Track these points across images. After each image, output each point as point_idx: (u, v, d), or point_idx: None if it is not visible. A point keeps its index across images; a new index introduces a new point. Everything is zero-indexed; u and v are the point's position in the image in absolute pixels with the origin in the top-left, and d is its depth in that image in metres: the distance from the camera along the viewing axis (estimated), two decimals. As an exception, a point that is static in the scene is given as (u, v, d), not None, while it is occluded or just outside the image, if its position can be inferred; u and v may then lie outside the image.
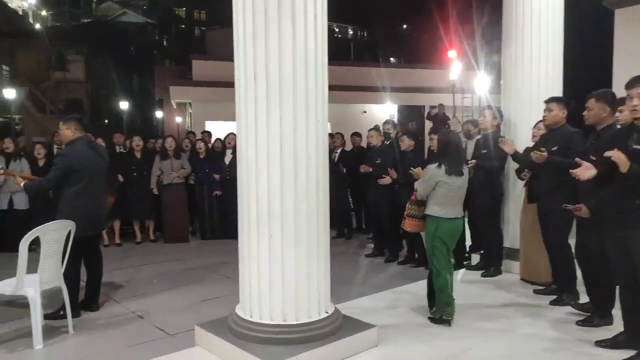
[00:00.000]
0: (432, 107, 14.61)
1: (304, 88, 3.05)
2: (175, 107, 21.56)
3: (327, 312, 3.26)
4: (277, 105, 3.02)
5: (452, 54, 16.65)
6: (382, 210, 5.99)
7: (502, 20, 5.44)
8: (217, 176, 7.31)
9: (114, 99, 28.88)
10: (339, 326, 3.27)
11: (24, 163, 6.68)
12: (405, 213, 3.99)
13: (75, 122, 4.25)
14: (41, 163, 6.73)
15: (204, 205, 7.48)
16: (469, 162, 4.90)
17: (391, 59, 38.39)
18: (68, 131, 4.19)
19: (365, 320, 3.51)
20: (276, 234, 3.08)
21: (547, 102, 4.35)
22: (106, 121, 31.82)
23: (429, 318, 3.95)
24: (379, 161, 6.00)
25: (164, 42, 45.82)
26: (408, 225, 3.98)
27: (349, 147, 7.84)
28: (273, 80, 3.00)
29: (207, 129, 10.88)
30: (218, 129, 9.70)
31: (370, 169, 6.14)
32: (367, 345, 3.32)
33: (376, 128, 6.40)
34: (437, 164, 3.81)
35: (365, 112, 17.78)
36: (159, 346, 3.63)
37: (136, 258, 6.50)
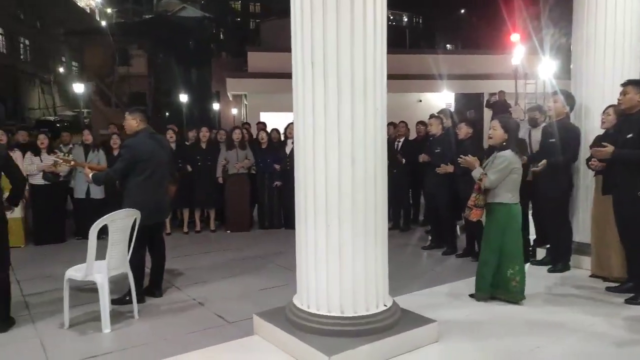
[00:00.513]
0: (492, 94, 14.01)
1: (362, 75, 2.97)
2: (231, 99, 22.01)
3: (385, 305, 3.19)
4: (334, 93, 2.96)
5: (514, 37, 15.86)
6: (440, 200, 5.84)
7: (573, -1, 5.08)
8: (277, 166, 7.39)
9: (173, 92, 29.91)
10: (398, 320, 3.20)
11: (100, 154, 7.02)
12: (472, 203, 3.87)
13: (140, 113, 4.40)
14: (116, 152, 7.03)
15: (263, 195, 7.59)
16: (539, 163, 4.68)
17: (447, 45, 37.28)
18: (133, 122, 4.34)
19: (423, 315, 3.41)
20: (333, 224, 3.04)
21: (624, 85, 4.05)
22: (167, 114, 33.06)
23: (470, 295, 4.13)
24: (438, 150, 5.82)
25: (221, 35, 46.86)
26: (474, 215, 3.90)
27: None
28: (331, 67, 2.95)
29: (261, 119, 11.00)
30: (273, 120, 9.78)
31: (429, 159, 5.97)
32: (427, 341, 3.23)
33: (436, 116, 6.18)
34: (509, 150, 3.79)
35: (420, 101, 17.36)
36: (218, 333, 3.71)
37: (197, 246, 6.68)
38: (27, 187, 6.50)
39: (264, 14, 42.84)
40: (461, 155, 4.15)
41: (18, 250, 6.40)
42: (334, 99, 2.97)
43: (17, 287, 4.72)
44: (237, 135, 7.39)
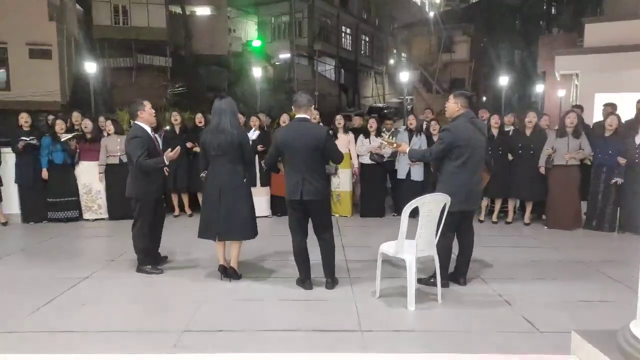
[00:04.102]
0: None
1: None
2: (559, 79, 19.76)
3: None
4: None
5: None
6: None
7: None
8: (622, 160, 6.16)
9: (493, 76, 29.05)
10: None
11: (422, 138, 7.40)
12: None
13: (464, 98, 4.26)
14: (435, 138, 7.28)
15: (597, 192, 6.49)
16: None
17: None
18: (455, 105, 4.25)
19: None
20: None
21: None
22: (484, 98, 32.43)
23: None
24: None
25: (553, 10, 42.51)
26: None
27: None
28: None
29: (596, 101, 9.39)
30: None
31: None
32: None
33: None
34: None
35: None
36: (525, 340, 3.31)
37: (506, 239, 6.25)
38: (356, 165, 7.42)
39: (610, -22, 36.41)
40: None
41: (346, 219, 7.40)
42: None
43: (341, 251, 5.40)
44: (571, 119, 6.45)
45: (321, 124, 7.16)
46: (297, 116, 4.25)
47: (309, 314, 3.77)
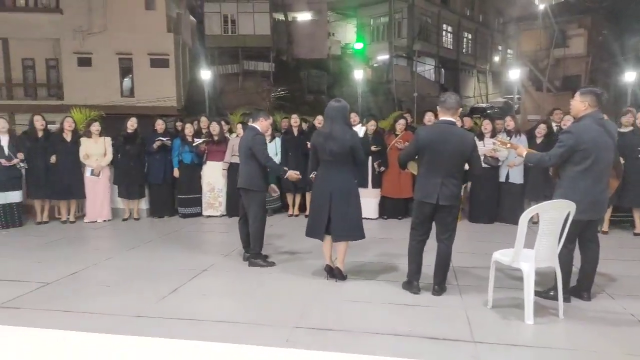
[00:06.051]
0: None
1: None
2: (697, 73, 17.42)
3: None
4: None
5: None
6: None
7: None
8: None
9: (615, 71, 26.39)
10: None
11: (522, 139, 6.97)
12: None
13: (593, 96, 3.87)
14: (539, 140, 6.85)
15: None
16: None
17: None
18: (581, 105, 3.90)
19: None
20: None
21: None
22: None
23: None
24: None
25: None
26: None
27: None
28: None
29: None
30: None
31: None
32: None
33: None
34: None
35: None
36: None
37: (634, 251, 5.66)
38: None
39: None
40: None
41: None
42: None
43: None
44: None
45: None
46: (442, 118, 4.11)
47: (417, 320, 3.70)
